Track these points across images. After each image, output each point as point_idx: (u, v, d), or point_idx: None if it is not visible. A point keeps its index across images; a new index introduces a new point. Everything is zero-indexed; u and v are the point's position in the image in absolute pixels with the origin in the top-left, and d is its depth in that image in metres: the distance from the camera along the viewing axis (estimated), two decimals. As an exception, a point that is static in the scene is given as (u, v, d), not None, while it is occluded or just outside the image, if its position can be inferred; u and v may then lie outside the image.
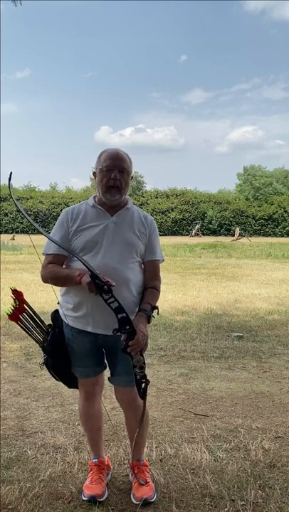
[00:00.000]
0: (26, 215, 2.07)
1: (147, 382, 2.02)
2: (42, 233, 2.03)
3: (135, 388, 2.07)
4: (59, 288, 2.17)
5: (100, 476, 2.21)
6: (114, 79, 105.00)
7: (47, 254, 2.11)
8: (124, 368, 2.06)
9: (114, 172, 2.04)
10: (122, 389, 2.16)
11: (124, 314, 1.89)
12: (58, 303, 2.18)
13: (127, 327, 1.90)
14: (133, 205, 2.20)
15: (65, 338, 2.14)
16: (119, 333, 1.91)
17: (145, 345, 1.97)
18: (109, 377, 2.20)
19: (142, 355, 1.97)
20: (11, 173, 2.08)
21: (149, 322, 2.04)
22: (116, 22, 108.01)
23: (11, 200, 44.43)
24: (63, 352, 2.13)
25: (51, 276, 2.05)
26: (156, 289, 2.15)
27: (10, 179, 2.10)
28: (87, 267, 1.89)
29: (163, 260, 2.23)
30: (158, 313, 2.12)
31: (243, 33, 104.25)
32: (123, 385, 2.13)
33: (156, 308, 2.10)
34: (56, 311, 2.19)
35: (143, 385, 2.02)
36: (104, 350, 2.17)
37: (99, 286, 1.85)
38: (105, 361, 2.21)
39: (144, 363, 1.99)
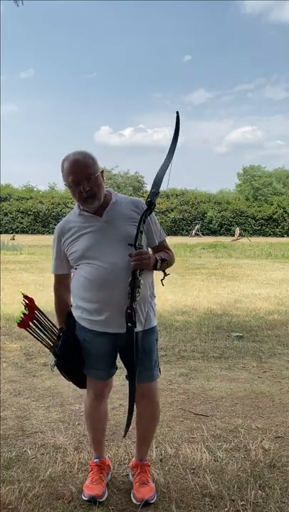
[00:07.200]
0: None
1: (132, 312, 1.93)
2: None
3: (154, 383, 2.18)
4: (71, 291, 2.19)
5: (100, 476, 2.21)
6: (116, 79, 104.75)
7: (54, 274, 2.21)
8: (144, 364, 2.05)
9: (81, 185, 1.98)
10: (143, 385, 2.12)
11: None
12: (71, 305, 2.17)
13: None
14: (117, 194, 2.15)
15: (81, 340, 2.11)
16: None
17: (145, 264, 1.93)
18: (126, 376, 2.11)
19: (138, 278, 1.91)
20: None
21: (155, 267, 2.05)
22: (118, 22, 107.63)
23: (11, 200, 44.39)
24: (76, 355, 2.12)
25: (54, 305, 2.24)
26: (169, 252, 2.22)
27: None
28: None
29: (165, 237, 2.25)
30: (167, 266, 2.16)
31: (246, 33, 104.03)
32: (144, 381, 2.10)
33: (166, 260, 2.11)
34: (69, 313, 2.17)
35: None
36: (121, 351, 2.12)
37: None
38: (116, 363, 2.19)
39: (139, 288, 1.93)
